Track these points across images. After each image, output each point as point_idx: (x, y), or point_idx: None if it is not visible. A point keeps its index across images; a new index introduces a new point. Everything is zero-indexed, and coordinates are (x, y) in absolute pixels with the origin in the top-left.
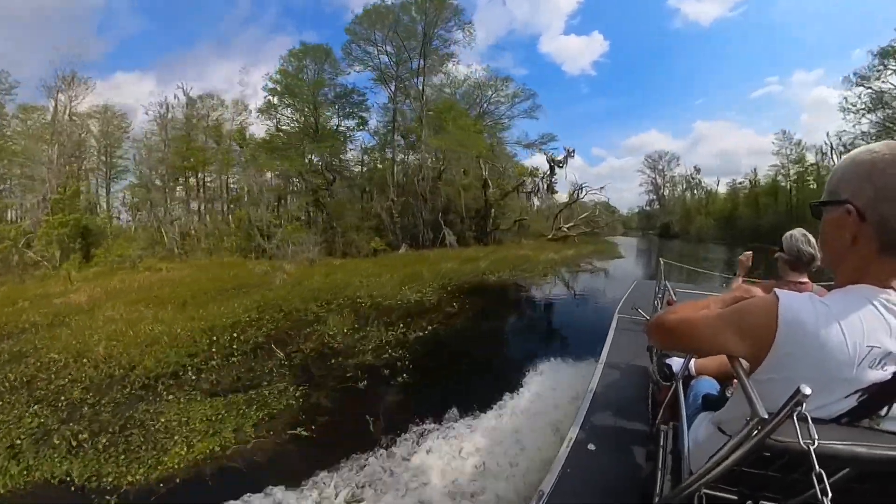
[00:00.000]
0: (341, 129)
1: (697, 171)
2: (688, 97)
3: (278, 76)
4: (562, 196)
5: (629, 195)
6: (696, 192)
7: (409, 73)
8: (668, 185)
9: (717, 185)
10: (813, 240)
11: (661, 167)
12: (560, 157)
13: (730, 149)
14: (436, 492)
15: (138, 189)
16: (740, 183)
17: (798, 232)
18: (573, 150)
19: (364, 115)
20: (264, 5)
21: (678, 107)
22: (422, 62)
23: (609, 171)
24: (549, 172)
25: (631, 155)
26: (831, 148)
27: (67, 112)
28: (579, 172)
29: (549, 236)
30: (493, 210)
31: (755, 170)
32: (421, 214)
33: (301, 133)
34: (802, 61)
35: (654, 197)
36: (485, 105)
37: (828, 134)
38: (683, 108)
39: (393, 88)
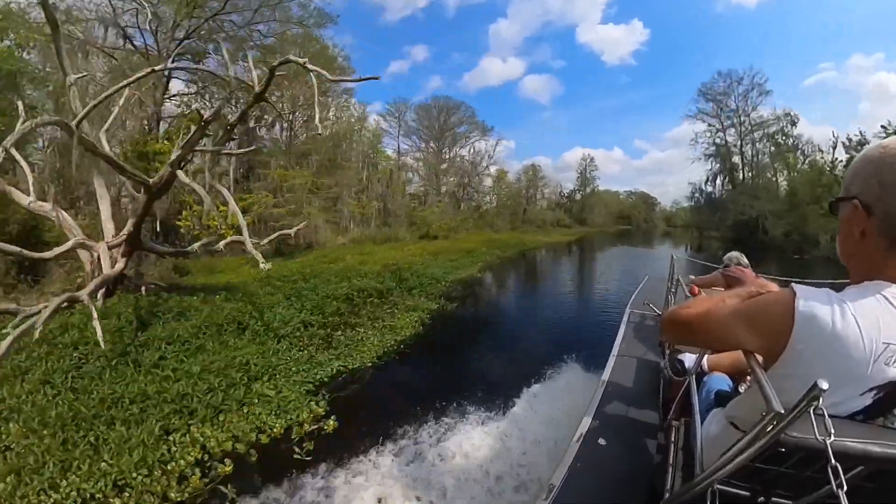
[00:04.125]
0: None
1: (794, 121)
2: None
3: None
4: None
5: (674, 189)
6: (795, 157)
7: None
8: (747, 142)
9: (835, 146)
10: None
11: (734, 106)
12: None
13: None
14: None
15: None
16: None
17: None
18: None
19: None
20: None
21: None
22: None
23: (652, 165)
24: None
25: (675, 147)
26: None
27: None
28: (620, 166)
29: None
30: None
31: None
32: None
33: None
34: (860, 44)
35: (721, 168)
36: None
37: None
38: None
39: None
